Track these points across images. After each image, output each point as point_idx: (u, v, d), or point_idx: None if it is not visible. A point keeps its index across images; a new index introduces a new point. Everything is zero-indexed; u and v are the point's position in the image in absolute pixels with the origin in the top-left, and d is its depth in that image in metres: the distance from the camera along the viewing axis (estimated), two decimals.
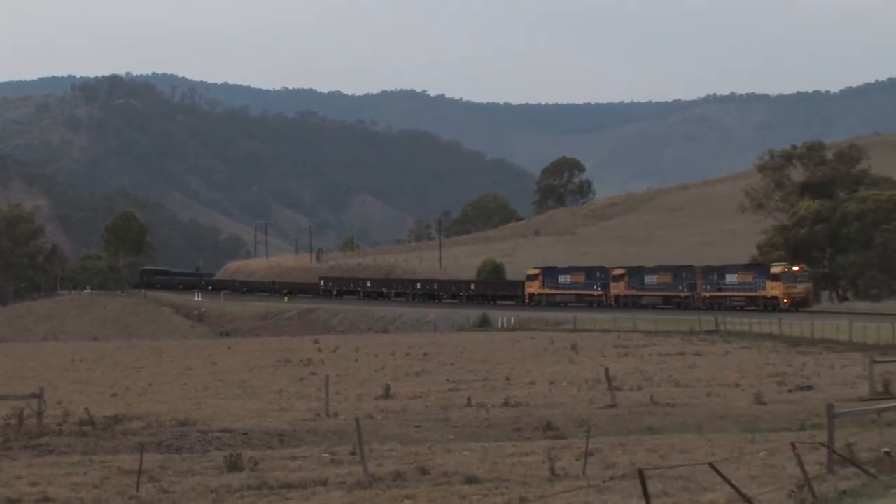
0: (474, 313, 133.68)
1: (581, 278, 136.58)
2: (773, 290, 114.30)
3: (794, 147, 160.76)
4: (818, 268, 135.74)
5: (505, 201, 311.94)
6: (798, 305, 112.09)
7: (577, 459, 30.27)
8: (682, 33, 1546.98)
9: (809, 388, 52.23)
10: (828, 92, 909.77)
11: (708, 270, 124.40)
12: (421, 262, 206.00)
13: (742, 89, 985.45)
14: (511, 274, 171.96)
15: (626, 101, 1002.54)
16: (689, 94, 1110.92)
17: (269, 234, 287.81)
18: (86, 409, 45.12)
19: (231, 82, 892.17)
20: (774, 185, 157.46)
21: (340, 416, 44.48)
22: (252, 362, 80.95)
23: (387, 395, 52.88)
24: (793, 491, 20.88)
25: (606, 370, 52.37)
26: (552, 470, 28.60)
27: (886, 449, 26.81)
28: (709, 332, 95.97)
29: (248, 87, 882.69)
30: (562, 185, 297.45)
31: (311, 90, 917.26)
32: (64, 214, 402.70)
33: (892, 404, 33.80)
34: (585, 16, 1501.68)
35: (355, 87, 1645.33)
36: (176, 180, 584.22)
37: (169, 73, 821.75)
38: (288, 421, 43.62)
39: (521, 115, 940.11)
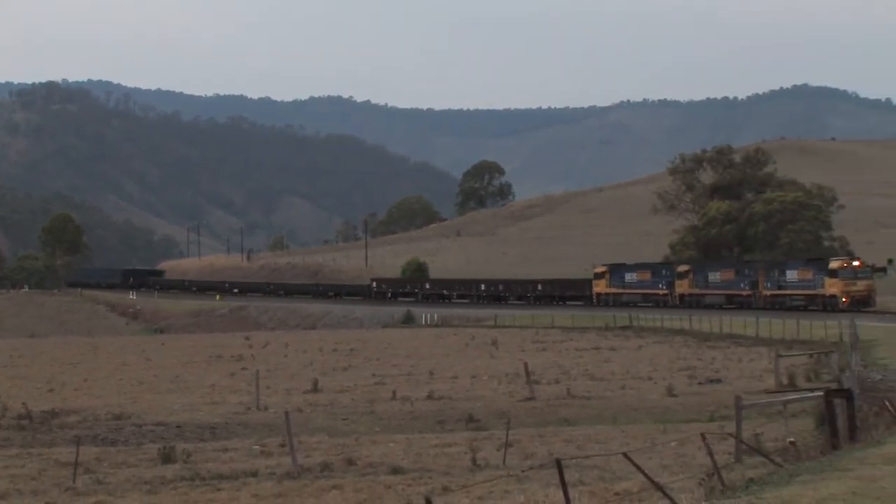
0: (399, 310, 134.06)
1: (647, 276, 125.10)
2: (832, 287, 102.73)
3: (704, 151, 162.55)
4: None
5: (428, 203, 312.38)
6: (859, 305, 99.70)
7: (498, 450, 31.16)
8: (598, 42, 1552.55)
9: (718, 381, 53.43)
10: (736, 98, 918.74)
11: (770, 266, 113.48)
12: (348, 262, 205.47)
13: (654, 96, 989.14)
14: (435, 272, 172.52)
15: (544, 106, 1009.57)
16: (604, 100, 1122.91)
17: (201, 234, 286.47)
18: (23, 403, 45.47)
19: (164, 88, 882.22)
20: (685, 187, 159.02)
21: (270, 409, 45.15)
22: (185, 358, 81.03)
23: (315, 389, 53.47)
24: (702, 479, 20.88)
25: (525, 364, 53.43)
26: (474, 460, 29.45)
27: (791, 439, 27.18)
28: (623, 328, 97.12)
29: (181, 94, 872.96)
30: (483, 187, 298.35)
31: (241, 96, 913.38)
32: (2, 216, 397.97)
33: (797, 396, 34.72)
34: (506, 24, 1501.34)
35: (284, 93, 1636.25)
36: (111, 183, 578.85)
37: (104, 79, 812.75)
38: (220, 414, 44.23)
39: (444, 120, 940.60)
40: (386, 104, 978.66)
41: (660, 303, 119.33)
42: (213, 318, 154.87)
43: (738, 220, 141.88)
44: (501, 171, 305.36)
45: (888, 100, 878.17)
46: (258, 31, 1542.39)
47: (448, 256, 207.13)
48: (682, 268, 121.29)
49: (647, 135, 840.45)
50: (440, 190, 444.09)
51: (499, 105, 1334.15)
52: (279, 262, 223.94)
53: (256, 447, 34.13)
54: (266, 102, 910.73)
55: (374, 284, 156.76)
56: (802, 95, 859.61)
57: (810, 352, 60.61)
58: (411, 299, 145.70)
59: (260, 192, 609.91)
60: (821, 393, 27.89)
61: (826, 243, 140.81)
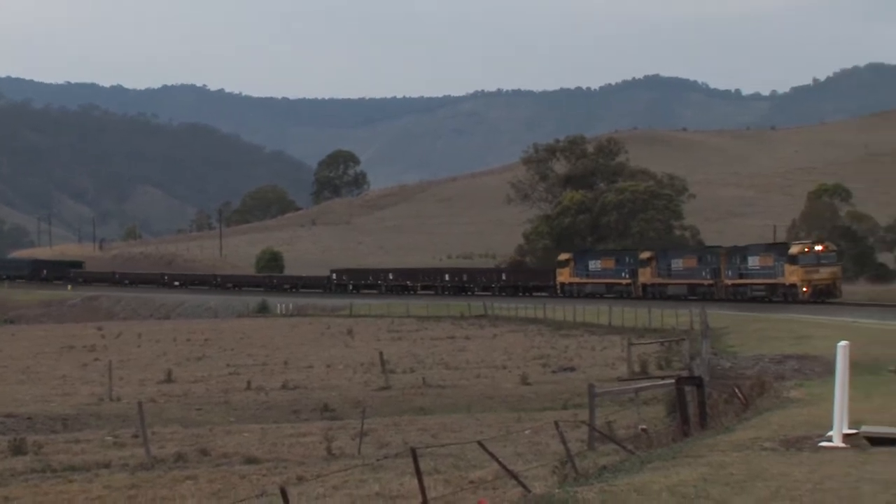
0: (254, 300, 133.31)
1: (611, 263, 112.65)
2: (791, 275, 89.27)
3: (558, 141, 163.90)
4: None
5: (283, 192, 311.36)
6: (822, 296, 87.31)
7: (353, 439, 31.40)
8: (452, 32, 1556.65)
9: (572, 369, 54.02)
10: (589, 88, 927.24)
11: (732, 252, 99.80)
12: (202, 252, 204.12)
13: (509, 86, 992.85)
14: (290, 263, 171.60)
15: (399, 96, 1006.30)
16: (459, 90, 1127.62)
17: (52, 224, 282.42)
18: None
19: (14, 76, 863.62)
20: (539, 177, 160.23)
21: (123, 400, 44.66)
22: (36, 349, 79.64)
23: (169, 379, 53.10)
24: (556, 467, 21.24)
25: (380, 354, 53.68)
26: (329, 450, 29.61)
27: (643, 426, 28.03)
28: (478, 317, 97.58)
29: (31, 81, 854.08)
30: (338, 177, 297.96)
31: (93, 84, 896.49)
32: None
33: (649, 384, 35.33)
34: (360, 13, 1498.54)
35: (137, 81, 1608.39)
36: None
37: None
38: (72, 406, 43.63)
39: (299, 109, 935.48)
40: (241, 93, 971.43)
41: (623, 293, 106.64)
42: (65, 309, 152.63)
43: (591, 209, 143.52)
44: (357, 161, 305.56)
45: (737, 91, 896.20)
46: (110, 17, 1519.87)
47: (303, 246, 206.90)
48: (645, 254, 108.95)
49: (502, 125, 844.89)
50: (296, 179, 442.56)
51: (354, 94, 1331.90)
52: (132, 251, 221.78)
53: (109, 438, 33.81)
54: (118, 90, 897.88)
55: (334, 276, 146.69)
56: (654, 86, 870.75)
57: (662, 340, 61.65)
58: (374, 291, 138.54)
59: (113, 181, 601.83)
60: (672, 381, 28.43)
61: (677, 232, 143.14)
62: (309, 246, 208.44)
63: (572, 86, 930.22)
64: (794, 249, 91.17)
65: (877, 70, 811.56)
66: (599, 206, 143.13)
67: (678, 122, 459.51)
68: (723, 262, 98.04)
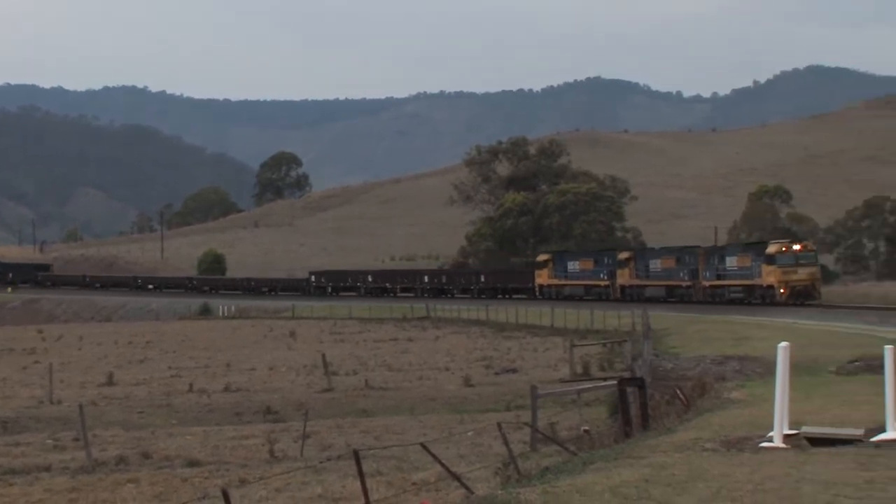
0: (195, 301, 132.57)
1: (589, 264, 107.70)
2: (769, 276, 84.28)
3: (500, 143, 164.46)
4: (522, 257, 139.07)
5: (225, 194, 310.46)
6: (800, 297, 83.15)
7: (296, 441, 31.45)
8: (395, 33, 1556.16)
9: (514, 370, 54.04)
10: (531, 90, 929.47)
11: (710, 252, 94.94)
12: (143, 254, 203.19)
13: (451, 87, 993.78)
14: (232, 265, 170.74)
15: (342, 97, 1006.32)
16: (402, 91, 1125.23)
17: None
18: None
19: None
20: (481, 178, 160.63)
21: (64, 403, 44.17)
22: None
23: (110, 382, 52.63)
24: (499, 468, 21.38)
25: (323, 356, 53.54)
26: (271, 452, 29.67)
27: (585, 427, 28.19)
28: (420, 319, 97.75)
29: None
30: (280, 178, 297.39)
31: (33, 85, 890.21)
32: None
33: (591, 385, 35.32)
34: (303, 14, 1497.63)
35: (78, 82, 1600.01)
36: None
37: None
38: (11, 408, 43.15)
39: (241, 110, 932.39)
40: (182, 94, 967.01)
41: (602, 295, 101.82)
42: (4, 311, 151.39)
43: (533, 211, 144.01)
44: (299, 163, 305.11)
45: (679, 93, 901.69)
46: (50, 17, 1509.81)
47: (245, 248, 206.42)
48: (624, 254, 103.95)
49: (445, 126, 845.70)
50: (238, 181, 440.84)
51: (296, 96, 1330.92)
52: (73, 253, 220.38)
53: (49, 441, 33.61)
54: (59, 92, 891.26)
55: (313, 278, 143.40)
56: (596, 88, 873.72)
57: (604, 341, 61.86)
58: (353, 294, 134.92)
59: (54, 182, 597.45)
60: (614, 382, 28.55)
61: (619, 234, 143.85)
62: (251, 248, 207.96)
63: (514, 87, 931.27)
64: (771, 249, 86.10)
65: (816, 72, 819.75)
66: (542, 207, 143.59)
67: (620, 123, 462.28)
68: (701, 262, 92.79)
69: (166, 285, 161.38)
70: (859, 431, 17.28)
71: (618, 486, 14.17)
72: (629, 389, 25.72)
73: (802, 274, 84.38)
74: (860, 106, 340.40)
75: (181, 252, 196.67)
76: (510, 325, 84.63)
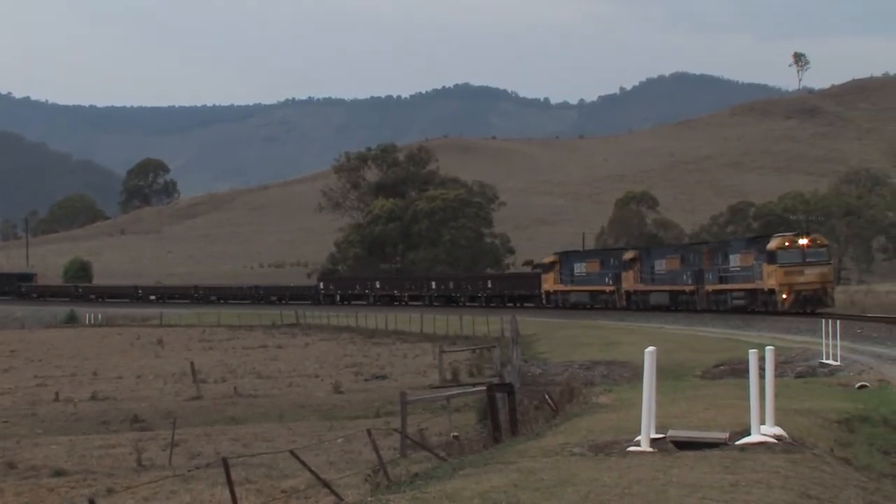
0: (61, 310, 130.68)
1: (595, 266, 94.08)
2: (770, 278, 68.64)
3: (369, 149, 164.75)
4: (392, 263, 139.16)
5: (91, 201, 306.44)
6: (808, 304, 67.43)
7: (164, 450, 31.15)
8: (262, 39, 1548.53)
9: (384, 377, 54.18)
10: (400, 97, 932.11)
11: (715, 249, 79.74)
12: (8, 261, 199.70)
13: (320, 94, 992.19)
14: (98, 273, 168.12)
15: (209, 104, 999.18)
16: (270, 98, 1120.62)
17: None
18: None
19: None
20: (350, 185, 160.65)
21: None
22: None
23: None
24: (368, 475, 21.30)
25: (191, 363, 53.22)
26: (139, 461, 29.36)
27: (455, 433, 28.38)
28: (290, 326, 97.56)
29: None
30: (147, 185, 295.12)
31: None
32: None
33: (460, 391, 35.61)
34: (169, 21, 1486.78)
35: None
36: None
37: None
38: None
39: (107, 117, 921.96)
40: (47, 100, 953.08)
41: (608, 303, 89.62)
42: None
43: (402, 217, 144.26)
44: (166, 169, 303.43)
45: (546, 99, 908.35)
46: None
47: (112, 255, 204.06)
48: (629, 254, 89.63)
49: (314, 133, 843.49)
50: (105, 188, 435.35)
51: (163, 102, 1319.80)
52: None
53: None
54: None
55: (322, 286, 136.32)
56: (464, 95, 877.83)
57: (473, 347, 62.21)
58: (363, 302, 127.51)
59: None
60: (483, 388, 28.70)
61: (488, 240, 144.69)
62: (118, 255, 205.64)
63: (383, 94, 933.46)
64: (772, 244, 69.76)
65: (680, 79, 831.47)
66: (411, 214, 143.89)
67: (488, 130, 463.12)
68: (706, 262, 77.84)
69: (170, 296, 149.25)
70: (724, 435, 17.50)
71: (487, 492, 14.21)
72: (498, 395, 25.86)
73: (811, 275, 68.37)
74: (726, 112, 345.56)
75: (47, 260, 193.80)
76: (380, 331, 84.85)
